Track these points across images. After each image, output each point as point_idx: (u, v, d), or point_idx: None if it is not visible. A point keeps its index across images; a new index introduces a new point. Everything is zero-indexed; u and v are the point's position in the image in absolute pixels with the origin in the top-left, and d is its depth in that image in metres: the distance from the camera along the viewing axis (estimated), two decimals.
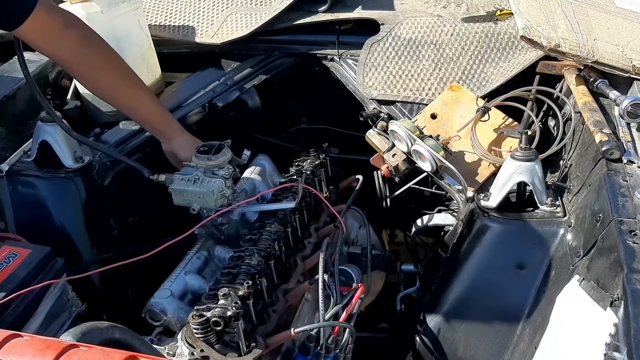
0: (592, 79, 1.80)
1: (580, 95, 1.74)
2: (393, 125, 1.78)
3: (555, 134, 1.83)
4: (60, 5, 1.95)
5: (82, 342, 1.00)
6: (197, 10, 2.29)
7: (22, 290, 1.27)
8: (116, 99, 1.77)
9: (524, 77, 1.94)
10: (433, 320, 1.68)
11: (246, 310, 1.35)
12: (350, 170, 2.10)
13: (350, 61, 2.15)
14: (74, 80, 2.06)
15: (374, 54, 2.09)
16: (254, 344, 1.33)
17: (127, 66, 1.75)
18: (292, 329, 1.38)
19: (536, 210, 1.61)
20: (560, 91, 1.89)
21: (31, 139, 1.82)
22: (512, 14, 2.04)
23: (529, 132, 1.66)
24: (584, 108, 1.69)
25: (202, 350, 1.30)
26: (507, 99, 1.85)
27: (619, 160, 1.52)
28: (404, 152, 1.82)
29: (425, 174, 1.91)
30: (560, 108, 1.86)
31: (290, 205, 1.67)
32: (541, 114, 1.92)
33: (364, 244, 1.84)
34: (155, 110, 1.81)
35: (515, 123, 1.86)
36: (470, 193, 1.73)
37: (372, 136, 1.90)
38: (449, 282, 1.66)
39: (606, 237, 1.32)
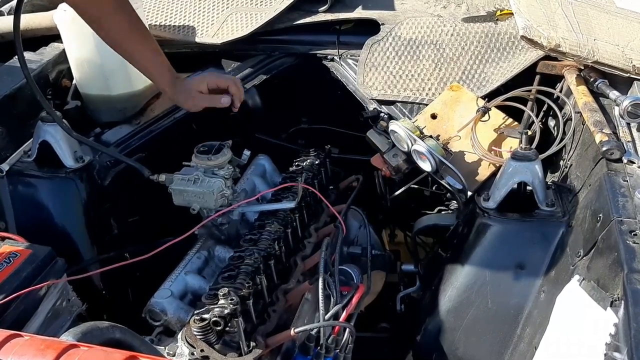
0: (592, 79, 1.80)
1: (581, 96, 1.74)
2: (393, 125, 1.78)
3: (555, 134, 1.83)
4: (62, 5, 1.95)
5: (83, 342, 1.00)
6: (198, 10, 2.29)
7: (23, 290, 1.27)
8: (121, 47, 1.73)
9: (524, 77, 1.94)
10: (433, 320, 1.68)
11: (246, 310, 1.35)
12: (350, 170, 2.10)
13: (350, 61, 2.15)
14: (74, 80, 2.06)
15: (374, 54, 2.09)
16: (254, 344, 1.34)
17: (135, 13, 1.71)
18: (292, 329, 1.38)
19: (536, 210, 1.60)
20: (561, 91, 1.89)
21: (31, 139, 1.82)
22: (512, 14, 2.05)
23: (529, 132, 1.66)
24: (584, 108, 1.69)
25: (202, 350, 1.30)
26: (507, 99, 1.85)
27: (619, 160, 1.52)
28: (404, 152, 1.82)
29: (425, 174, 1.91)
30: (561, 108, 1.86)
31: (290, 205, 1.67)
32: (541, 114, 1.92)
33: (364, 244, 1.84)
34: (154, 62, 1.74)
35: (516, 123, 1.86)
36: (470, 193, 1.74)
37: (372, 136, 1.90)
38: (449, 282, 1.66)
39: (606, 237, 1.32)
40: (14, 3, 2.31)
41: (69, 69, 2.06)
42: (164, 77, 1.75)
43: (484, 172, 1.78)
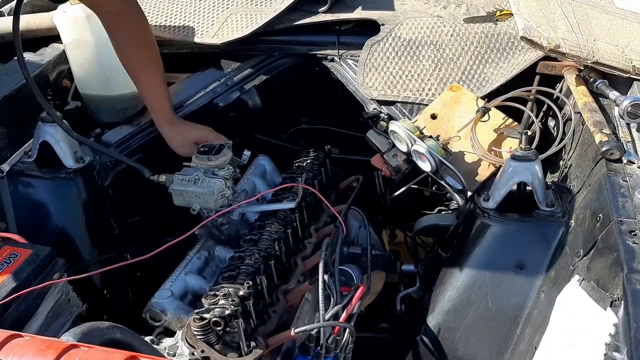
0: (592, 80, 1.80)
1: (580, 96, 1.74)
2: (393, 126, 1.78)
3: (555, 135, 1.83)
4: (62, 6, 1.96)
5: (83, 343, 1.00)
6: (198, 10, 2.29)
7: (23, 291, 1.27)
8: (133, 76, 1.85)
9: (524, 77, 1.94)
10: (433, 320, 1.68)
11: (246, 311, 1.35)
12: (350, 170, 2.10)
13: (350, 62, 2.15)
14: (75, 81, 2.06)
15: (374, 54, 2.09)
16: (254, 344, 1.34)
17: (151, 43, 1.83)
18: (292, 329, 1.38)
19: (536, 211, 1.61)
20: (560, 91, 1.89)
21: (32, 140, 1.82)
22: (512, 14, 2.04)
23: (529, 133, 1.66)
24: (584, 108, 1.69)
25: (202, 351, 1.30)
26: (507, 100, 1.85)
27: (619, 160, 1.52)
28: (404, 153, 1.82)
29: (425, 174, 1.91)
30: (560, 108, 1.86)
31: (291, 205, 1.67)
32: (541, 114, 1.92)
33: (364, 244, 1.84)
34: (155, 98, 1.86)
35: (515, 123, 1.86)
36: (470, 193, 1.74)
37: (372, 136, 1.91)
38: (449, 282, 1.67)
39: (606, 237, 1.32)
40: (14, 4, 2.31)
41: (69, 69, 2.06)
42: (163, 111, 1.87)
43: (483, 173, 1.78)
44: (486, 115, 1.83)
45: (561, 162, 1.76)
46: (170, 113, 1.89)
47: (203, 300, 1.35)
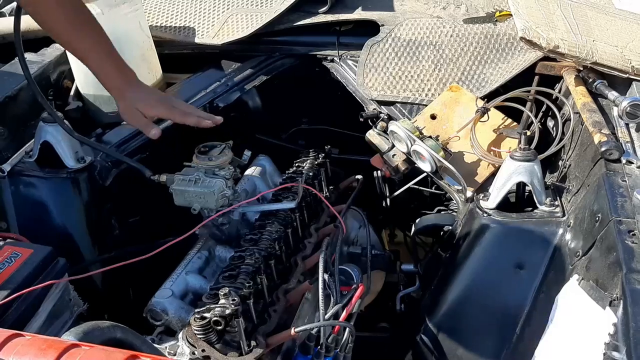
0: (591, 80, 1.80)
1: (579, 96, 1.75)
2: (393, 126, 1.79)
3: (554, 135, 1.84)
4: None
5: (84, 342, 1.01)
6: (198, 11, 2.30)
7: (24, 290, 1.28)
8: (69, 46, 1.69)
9: (523, 77, 1.95)
10: (433, 320, 1.69)
11: (247, 310, 1.35)
12: (350, 171, 2.11)
13: (350, 62, 2.16)
14: (76, 81, 2.07)
15: (374, 55, 2.09)
16: (254, 344, 1.34)
17: (84, 8, 1.64)
18: (292, 329, 1.38)
19: (535, 211, 1.61)
20: (559, 92, 1.90)
21: (33, 140, 1.83)
22: (511, 15, 2.05)
23: (528, 133, 1.67)
24: (582, 109, 1.70)
25: (203, 350, 1.30)
26: (506, 100, 1.85)
27: (618, 160, 1.52)
28: (403, 153, 1.83)
29: (425, 174, 1.92)
30: (559, 109, 1.87)
31: (291, 205, 1.67)
32: (540, 114, 1.92)
33: (364, 243, 1.84)
34: (105, 60, 1.67)
35: (515, 123, 1.86)
36: (469, 193, 1.74)
37: (372, 136, 1.91)
38: (449, 282, 1.67)
39: (605, 237, 1.33)
40: (15, 4, 2.32)
41: (70, 69, 2.06)
42: (110, 78, 1.69)
43: (483, 173, 1.79)
44: (485, 115, 1.83)
45: (560, 162, 1.77)
46: (118, 76, 1.68)
47: (204, 299, 1.35)
